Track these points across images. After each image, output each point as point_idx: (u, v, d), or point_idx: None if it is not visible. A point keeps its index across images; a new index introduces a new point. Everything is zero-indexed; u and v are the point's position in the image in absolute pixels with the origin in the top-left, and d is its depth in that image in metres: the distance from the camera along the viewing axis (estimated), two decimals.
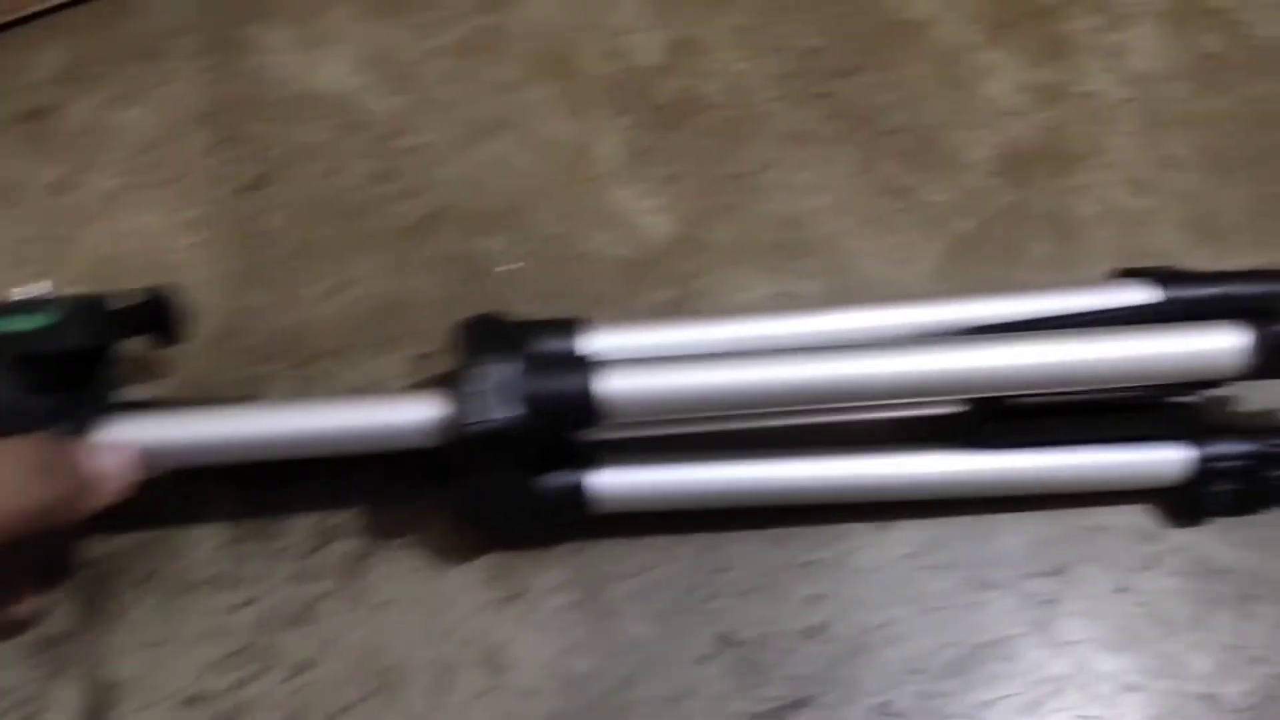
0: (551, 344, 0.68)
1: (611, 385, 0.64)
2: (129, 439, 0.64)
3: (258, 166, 0.87)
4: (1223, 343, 0.67)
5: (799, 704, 0.68)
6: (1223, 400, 0.77)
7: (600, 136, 0.88)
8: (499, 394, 0.63)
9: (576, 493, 0.68)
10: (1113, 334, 0.67)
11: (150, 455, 0.64)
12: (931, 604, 0.71)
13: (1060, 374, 0.66)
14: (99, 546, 0.72)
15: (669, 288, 0.81)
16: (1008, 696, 0.68)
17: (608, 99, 0.90)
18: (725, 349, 0.69)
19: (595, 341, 0.69)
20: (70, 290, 0.67)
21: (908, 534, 0.73)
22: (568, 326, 0.69)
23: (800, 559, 0.72)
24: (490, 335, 0.67)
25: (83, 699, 0.67)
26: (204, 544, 0.72)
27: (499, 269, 0.82)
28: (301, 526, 0.73)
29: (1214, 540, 0.73)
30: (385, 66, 0.91)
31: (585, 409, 0.64)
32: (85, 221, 0.84)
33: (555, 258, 0.82)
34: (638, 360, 0.66)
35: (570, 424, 0.65)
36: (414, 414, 0.65)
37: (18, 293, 0.66)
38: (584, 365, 0.65)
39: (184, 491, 0.73)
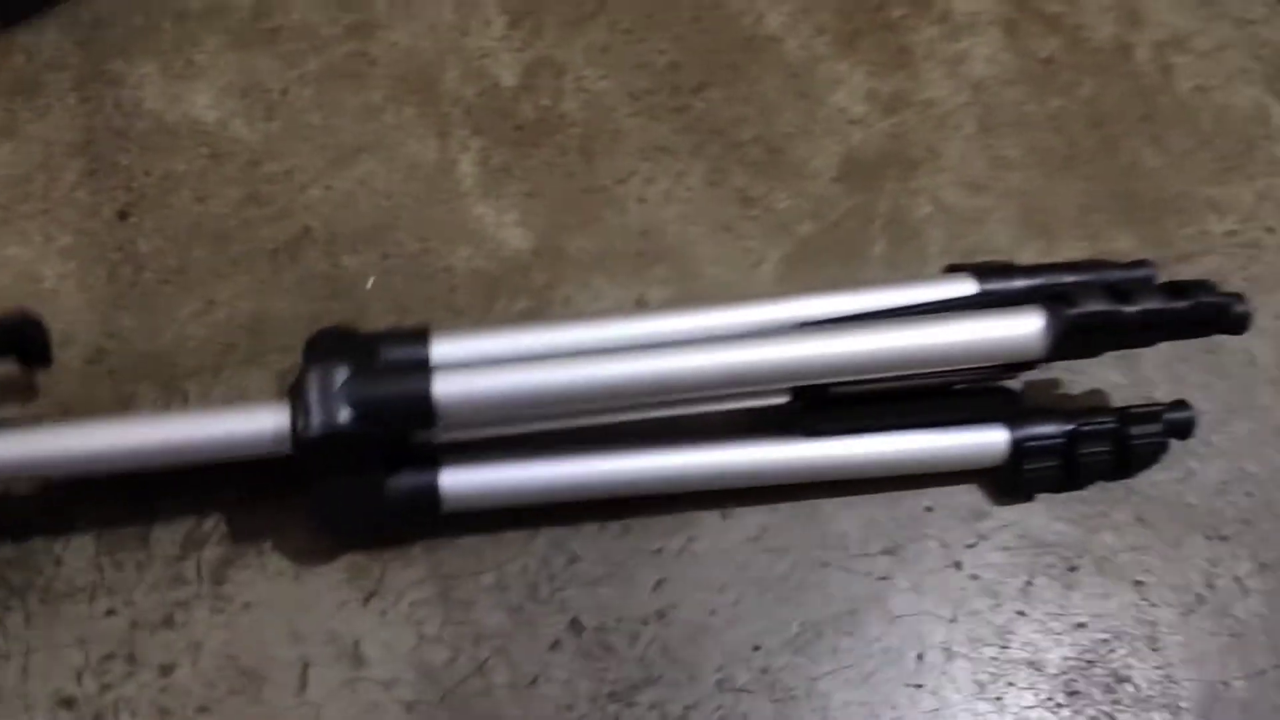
0: (400, 352, 0.73)
1: (441, 388, 0.68)
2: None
3: (128, 195, 0.90)
4: (1019, 328, 0.72)
5: (645, 683, 0.73)
6: (1047, 384, 0.83)
7: (461, 156, 0.92)
8: (331, 401, 0.68)
9: (428, 493, 0.72)
10: (915, 323, 0.72)
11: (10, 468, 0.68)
12: (771, 585, 0.76)
13: (866, 361, 0.71)
14: None
15: (527, 298, 0.86)
16: (843, 668, 0.74)
17: (469, 120, 0.95)
18: (569, 351, 0.73)
19: (445, 349, 0.73)
20: None
21: (748, 520, 0.78)
22: (417, 335, 0.74)
23: (646, 547, 0.77)
24: (337, 345, 0.72)
25: None
26: (74, 555, 0.76)
27: (364, 285, 0.85)
28: (168, 536, 0.77)
29: (1039, 515, 0.79)
30: (253, 95, 0.96)
31: (414, 412, 0.69)
32: None
33: (417, 274, 0.87)
34: (469, 364, 0.70)
35: (402, 427, 0.70)
36: (254, 423, 0.70)
37: None
38: (414, 369, 0.69)
39: (55, 504, 0.77)
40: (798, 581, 0.77)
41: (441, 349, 0.73)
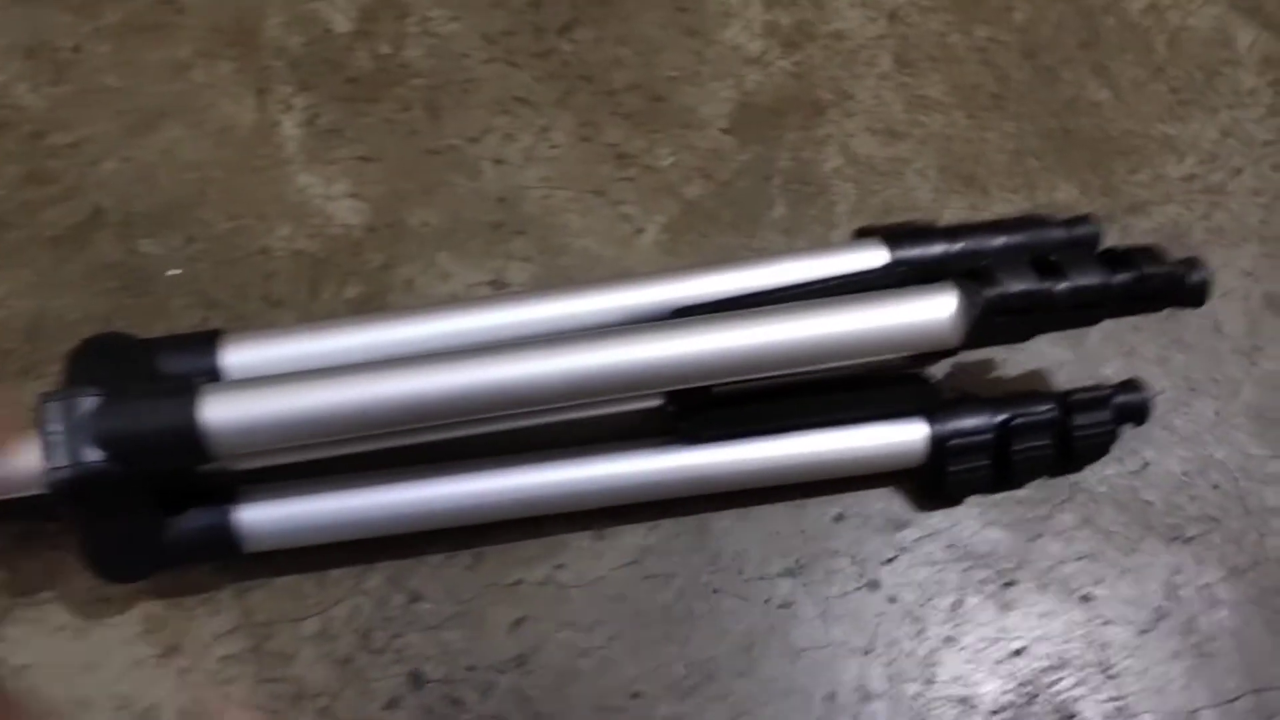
0: (182, 364, 0.66)
1: (212, 415, 0.61)
2: None
3: None
4: (928, 312, 0.66)
5: None
6: (975, 366, 0.78)
7: (284, 117, 0.86)
8: (77, 434, 0.60)
9: (222, 532, 0.65)
10: (805, 310, 0.66)
11: None
12: (652, 619, 0.71)
13: (747, 359, 0.65)
14: None
15: (360, 283, 0.79)
16: (739, 716, 0.69)
17: (294, 74, 0.88)
18: (397, 353, 0.67)
19: (240, 357, 0.67)
20: None
21: (624, 541, 0.73)
22: (205, 340, 0.67)
23: (502, 580, 0.72)
24: (106, 359, 0.65)
25: None
26: None
27: (166, 274, 0.78)
28: None
29: (969, 521, 0.75)
30: (40, 55, 0.89)
31: (178, 446, 0.61)
32: None
33: (228, 258, 0.81)
34: (257, 379, 0.63)
35: (165, 464, 0.62)
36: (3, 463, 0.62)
37: None
38: (176, 392, 0.62)
39: None
40: (683, 613, 0.71)
41: (236, 357, 0.66)
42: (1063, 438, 0.73)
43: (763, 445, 0.71)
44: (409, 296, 0.79)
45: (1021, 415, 0.71)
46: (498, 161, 0.85)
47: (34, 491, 0.63)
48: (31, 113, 0.85)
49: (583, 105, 0.88)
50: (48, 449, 0.60)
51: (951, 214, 0.83)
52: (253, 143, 0.85)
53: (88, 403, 0.61)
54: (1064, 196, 0.85)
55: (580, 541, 0.72)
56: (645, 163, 0.86)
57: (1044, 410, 0.72)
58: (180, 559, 0.67)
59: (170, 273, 0.80)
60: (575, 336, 0.66)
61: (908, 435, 0.71)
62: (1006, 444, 0.72)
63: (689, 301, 0.70)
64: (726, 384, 0.68)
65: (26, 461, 0.62)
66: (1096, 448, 0.74)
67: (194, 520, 0.66)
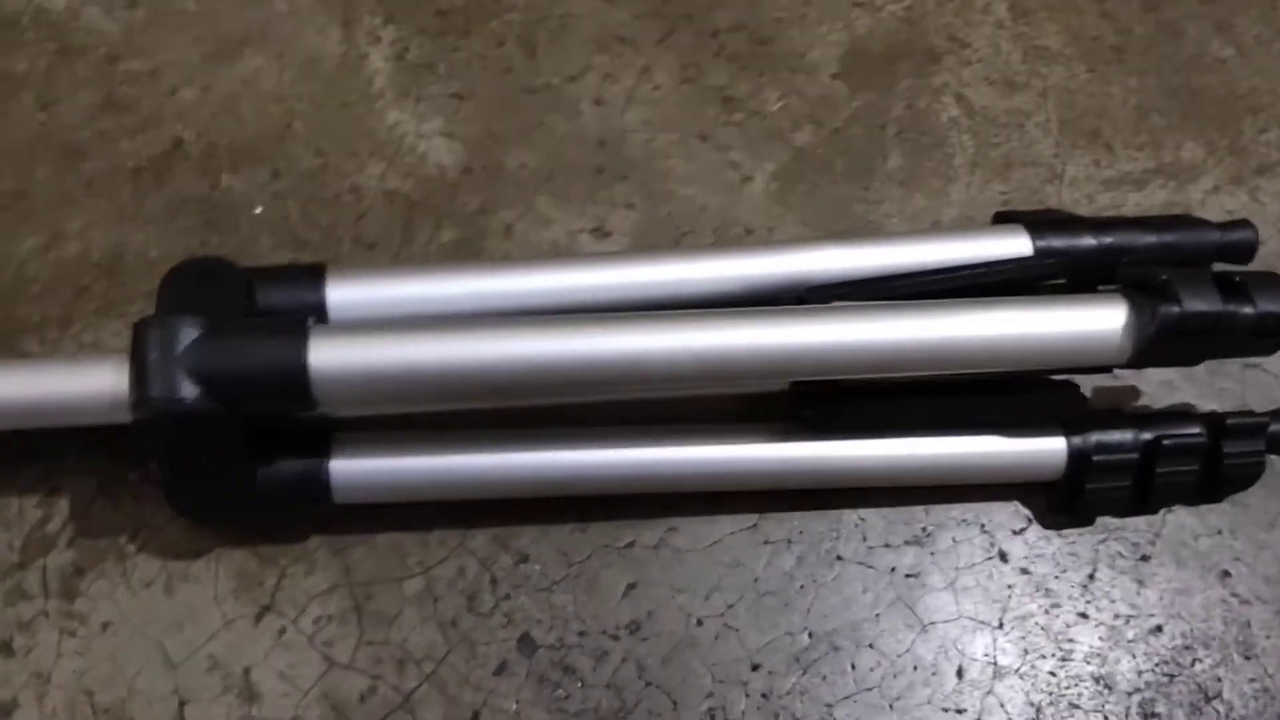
0: (285, 296, 0.62)
1: (320, 360, 0.58)
2: None
3: None
4: (1097, 323, 0.63)
5: (617, 715, 0.64)
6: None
7: (371, 49, 0.82)
8: (173, 366, 0.57)
9: (315, 481, 0.62)
10: (955, 309, 0.63)
11: None
12: (771, 587, 0.68)
13: (888, 357, 0.63)
14: None
15: (456, 227, 0.76)
16: (864, 690, 0.65)
17: (379, 4, 0.85)
18: (504, 302, 0.64)
19: (344, 293, 0.63)
20: None
21: (741, 506, 0.69)
22: (308, 274, 0.64)
23: (614, 543, 0.68)
24: (203, 286, 0.62)
25: None
26: None
27: (252, 211, 0.75)
28: (5, 538, 0.67)
29: None
30: None
31: (283, 391, 0.58)
32: None
33: (315, 196, 0.78)
34: (365, 323, 0.60)
35: (262, 408, 0.59)
36: (86, 383, 0.59)
37: None
38: (286, 331, 0.58)
39: None
40: (805, 581, 0.68)
41: (340, 294, 0.63)
42: (1210, 463, 0.68)
43: (889, 443, 0.67)
44: (507, 242, 0.76)
45: (1170, 436, 0.68)
46: (598, 102, 0.82)
47: (118, 420, 0.60)
48: (106, 37, 0.83)
49: (685, 45, 0.84)
50: (140, 378, 0.57)
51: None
52: (339, 75, 0.82)
53: (188, 332, 0.57)
54: (1189, 155, 0.82)
55: (694, 504, 0.68)
56: (752, 107, 0.82)
57: (1194, 433, 0.68)
58: (266, 503, 0.63)
59: (256, 210, 0.76)
60: (712, 314, 0.63)
61: (1045, 447, 0.68)
62: (1150, 465, 0.68)
63: (821, 277, 0.66)
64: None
65: (115, 387, 0.59)
66: (1244, 478, 0.69)
67: (285, 465, 0.62)
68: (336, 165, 0.78)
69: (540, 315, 0.63)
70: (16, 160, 0.78)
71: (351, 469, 0.63)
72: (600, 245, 0.76)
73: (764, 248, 0.68)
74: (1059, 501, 0.69)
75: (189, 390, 0.57)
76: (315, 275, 0.64)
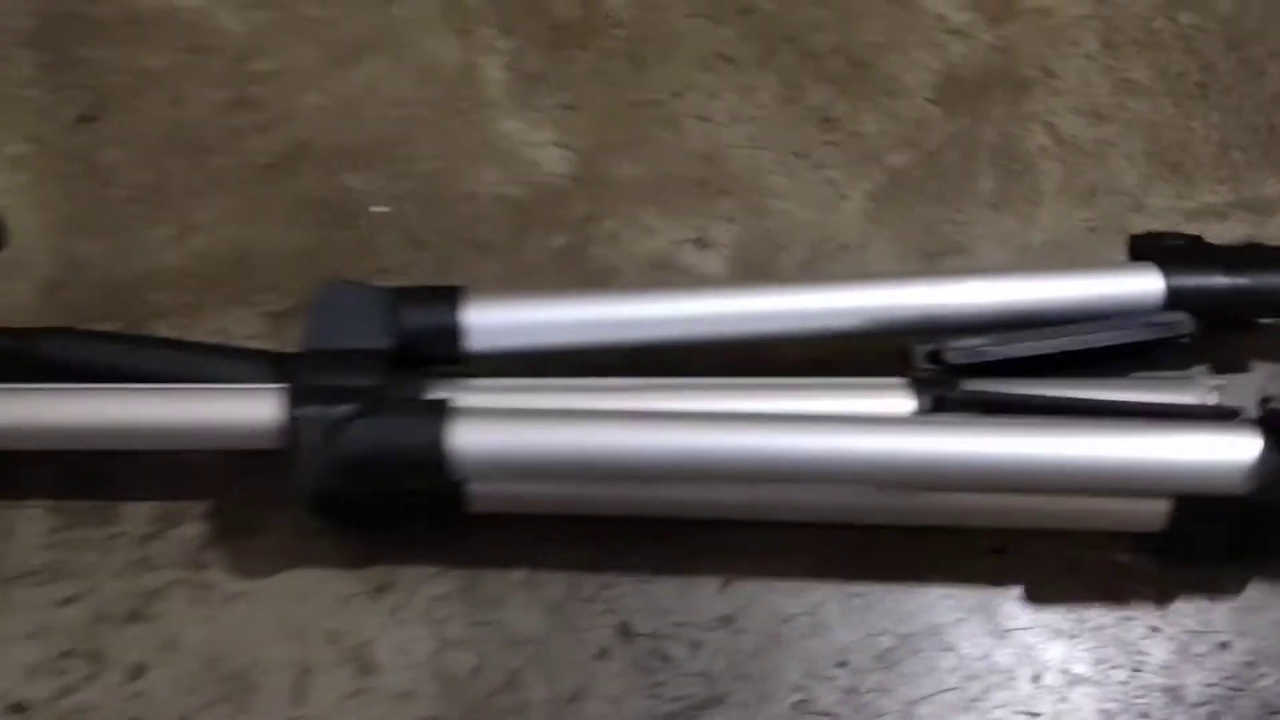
0: (427, 320, 0.67)
1: (465, 441, 0.63)
2: None
3: (91, 96, 0.84)
4: (1216, 456, 0.65)
5: (709, 703, 0.67)
6: None
7: (487, 59, 0.86)
8: (324, 449, 0.62)
9: (452, 493, 0.65)
10: (1099, 429, 0.66)
11: None
12: (857, 589, 0.70)
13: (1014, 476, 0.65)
14: None
15: (565, 233, 0.79)
16: (944, 691, 0.68)
17: (496, 16, 0.89)
18: (620, 335, 0.69)
19: (477, 316, 0.68)
20: None
21: None
22: (447, 297, 0.68)
23: (708, 541, 0.70)
24: (351, 308, 0.66)
25: None
26: (24, 530, 0.70)
27: (371, 211, 0.79)
28: (138, 510, 0.71)
29: None
30: None
31: (419, 471, 0.63)
32: None
33: (433, 199, 0.81)
34: (498, 411, 0.65)
35: (402, 486, 0.64)
36: (248, 415, 0.65)
37: None
38: (431, 417, 0.63)
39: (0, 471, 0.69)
40: (886, 585, 0.70)
41: (476, 317, 0.68)
42: None
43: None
44: (613, 250, 0.79)
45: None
46: (702, 118, 0.85)
47: (256, 447, 0.65)
48: (235, 38, 0.86)
49: (785, 66, 0.88)
50: (298, 446, 0.63)
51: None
52: (456, 84, 0.85)
53: (338, 413, 0.62)
54: (1272, 192, 0.84)
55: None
56: (849, 128, 0.85)
57: None
58: (412, 513, 0.68)
59: (374, 209, 0.80)
60: (855, 421, 0.66)
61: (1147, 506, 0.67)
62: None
63: (935, 311, 0.70)
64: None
65: (252, 417, 0.65)
66: None
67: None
68: (453, 170, 0.82)
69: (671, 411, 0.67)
70: (150, 153, 0.82)
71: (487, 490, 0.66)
72: (701, 256, 0.79)
73: (894, 280, 0.72)
74: (1157, 545, 0.70)
75: (334, 480, 0.63)
76: (453, 298, 0.68)
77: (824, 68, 0.87)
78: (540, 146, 0.83)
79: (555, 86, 0.85)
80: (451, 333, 0.67)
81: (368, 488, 0.63)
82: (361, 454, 0.62)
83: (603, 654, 0.67)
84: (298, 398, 0.63)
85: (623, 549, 0.70)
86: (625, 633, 0.68)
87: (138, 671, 0.65)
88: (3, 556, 0.69)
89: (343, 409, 0.62)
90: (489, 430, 0.64)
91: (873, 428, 0.65)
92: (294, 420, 0.62)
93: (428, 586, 0.68)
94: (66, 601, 0.67)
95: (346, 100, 0.84)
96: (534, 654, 0.67)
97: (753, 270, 0.80)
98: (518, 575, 0.69)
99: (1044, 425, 0.65)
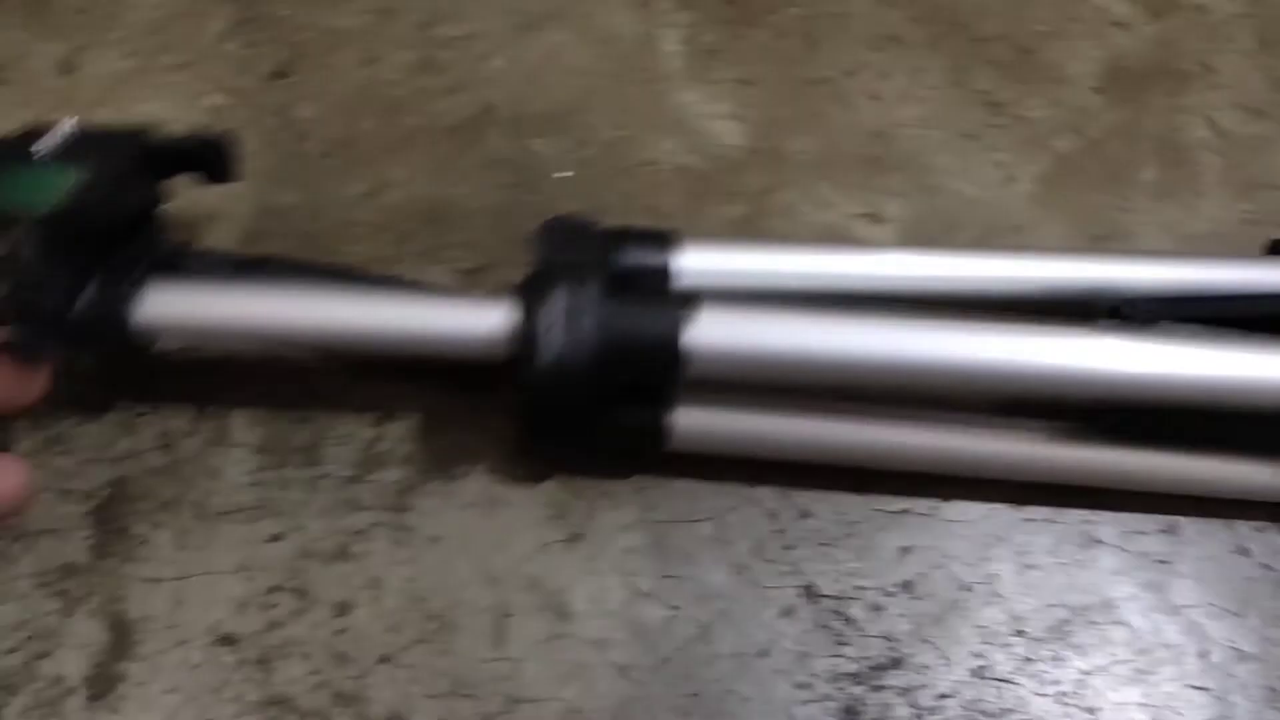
0: (644, 258, 0.67)
1: (704, 335, 0.62)
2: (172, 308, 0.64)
3: (285, 52, 0.85)
4: None
5: (890, 665, 0.68)
6: None
7: (664, 32, 0.87)
8: (572, 327, 0.62)
9: (655, 429, 0.67)
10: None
11: (192, 332, 0.66)
12: (1033, 561, 0.71)
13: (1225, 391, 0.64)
14: (116, 468, 0.71)
15: (741, 203, 0.80)
16: (1115, 663, 0.68)
17: None
18: (826, 284, 0.69)
19: (686, 260, 0.68)
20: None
21: (1005, 484, 0.72)
22: (659, 240, 0.68)
23: (888, 508, 0.72)
24: (571, 242, 0.67)
25: (102, 636, 0.65)
26: (233, 468, 0.71)
27: (555, 175, 0.80)
28: (341, 453, 0.72)
29: None
30: None
31: (669, 361, 0.63)
32: (92, 104, 0.82)
33: (614, 166, 0.81)
34: (735, 302, 0.64)
35: (650, 373, 0.64)
36: (484, 324, 0.64)
37: (42, 144, 0.64)
38: (674, 307, 0.63)
39: (210, 409, 0.72)
40: (1065, 558, 0.71)
41: (688, 261, 0.68)
42: None
43: (1179, 459, 0.70)
44: (788, 221, 0.80)
45: None
46: (873, 97, 0.86)
47: (484, 360, 0.65)
48: (420, 1, 0.86)
49: (953, 49, 0.88)
50: (540, 331, 0.62)
51: None
52: (635, 55, 0.86)
53: (587, 293, 0.63)
54: None
55: (959, 481, 0.72)
56: (1016, 112, 0.86)
57: None
58: (615, 446, 0.68)
59: (558, 174, 0.81)
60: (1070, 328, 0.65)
61: None
62: None
63: (1109, 284, 0.70)
64: None
65: (483, 327, 0.65)
66: None
67: (633, 414, 0.68)
68: (633, 138, 0.83)
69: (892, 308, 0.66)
70: (344, 110, 0.83)
71: (689, 422, 0.67)
72: (874, 230, 0.80)
73: (1066, 253, 0.72)
74: None
75: (587, 348, 0.62)
76: (666, 241, 0.68)
77: (991, 52, 0.88)
78: (716, 119, 0.83)
79: (731, 60, 0.86)
80: (663, 273, 0.68)
81: (606, 376, 0.63)
82: (604, 339, 0.62)
83: (788, 612, 0.68)
84: (534, 295, 0.63)
85: (802, 512, 0.70)
86: (810, 593, 0.69)
87: (343, 609, 0.67)
88: (211, 494, 0.69)
89: (586, 290, 0.63)
90: (732, 323, 0.64)
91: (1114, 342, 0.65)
92: (535, 306, 0.63)
93: (619, 538, 0.69)
94: (274, 538, 0.69)
95: (530, 67, 0.85)
96: (722, 610, 0.68)
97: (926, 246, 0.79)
98: (704, 531, 0.69)
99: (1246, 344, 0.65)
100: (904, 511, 0.71)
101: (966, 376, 0.64)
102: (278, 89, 0.83)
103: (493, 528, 0.69)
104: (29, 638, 0.66)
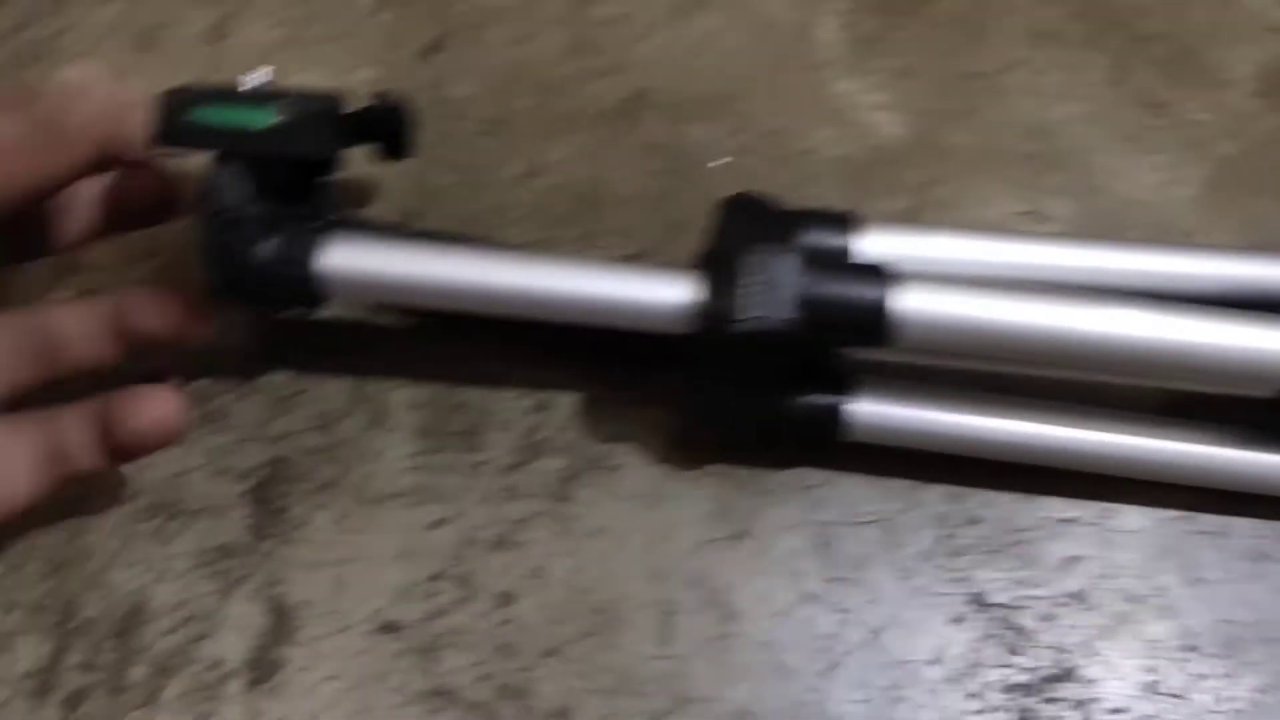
0: (824, 239, 0.65)
1: (909, 303, 0.60)
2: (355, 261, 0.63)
3: (438, 27, 0.83)
4: None
5: (1061, 677, 0.65)
6: None
7: (821, 19, 0.84)
8: (772, 290, 0.60)
9: (831, 416, 0.65)
10: None
11: (372, 286, 0.64)
12: (1203, 577, 0.68)
13: None
14: (273, 447, 0.69)
15: (901, 196, 0.77)
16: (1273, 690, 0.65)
17: None
18: (1010, 274, 0.66)
19: (868, 244, 0.66)
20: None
21: (1176, 495, 0.69)
22: (841, 222, 0.66)
23: (1055, 515, 0.69)
24: (754, 219, 0.64)
25: (261, 619, 0.63)
26: (392, 451, 0.69)
27: (711, 164, 0.77)
28: (501, 439, 0.70)
29: None
30: None
31: (874, 325, 0.60)
32: (242, 73, 0.79)
33: (772, 154, 0.79)
34: (937, 278, 0.62)
35: (852, 339, 0.62)
36: (668, 294, 0.62)
37: (245, 80, 0.64)
38: (877, 274, 0.61)
39: (368, 390, 0.70)
40: (1238, 574, 0.68)
41: (868, 244, 0.66)
42: None
43: None
44: (948, 215, 0.78)
45: None
46: (1032, 93, 0.83)
47: (668, 330, 0.62)
48: None
49: (1112, 48, 0.85)
50: (737, 297, 0.60)
51: None
52: (792, 42, 0.83)
53: (783, 262, 0.61)
54: None
55: (1128, 490, 0.69)
56: (1176, 114, 0.83)
57: None
58: (788, 432, 0.66)
59: (713, 163, 0.78)
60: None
61: None
62: None
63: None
64: None
65: (672, 297, 0.62)
66: None
67: (812, 399, 0.65)
68: (790, 127, 0.80)
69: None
70: (496, 90, 0.80)
71: (866, 411, 0.65)
72: (1037, 228, 0.77)
73: (1257, 254, 0.68)
74: None
75: (788, 312, 0.60)
76: (846, 223, 0.66)
77: (1151, 52, 0.85)
78: (874, 110, 0.81)
79: (888, 51, 0.83)
80: (842, 254, 0.65)
81: (809, 333, 0.60)
82: (807, 305, 0.60)
83: (958, 620, 0.66)
84: (723, 265, 0.62)
85: (970, 519, 0.68)
86: (979, 602, 0.66)
87: (506, 599, 0.65)
88: (371, 477, 0.67)
89: (783, 261, 0.61)
90: (940, 295, 0.62)
91: None
92: (727, 274, 0.61)
93: (784, 537, 0.67)
94: (435, 524, 0.66)
95: (685, 52, 0.82)
96: (891, 615, 0.66)
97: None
98: (871, 533, 0.67)
99: None
100: (1073, 519, 0.68)
101: (1180, 360, 0.62)
102: (433, 64, 0.81)
103: (655, 521, 0.67)
104: (188, 619, 0.64)
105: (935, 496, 0.68)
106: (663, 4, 0.84)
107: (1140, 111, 0.82)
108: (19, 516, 0.60)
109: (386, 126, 0.68)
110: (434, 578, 0.65)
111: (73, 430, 0.60)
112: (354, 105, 0.65)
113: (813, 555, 0.66)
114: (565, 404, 0.70)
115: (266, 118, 0.61)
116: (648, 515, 0.67)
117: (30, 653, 0.63)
